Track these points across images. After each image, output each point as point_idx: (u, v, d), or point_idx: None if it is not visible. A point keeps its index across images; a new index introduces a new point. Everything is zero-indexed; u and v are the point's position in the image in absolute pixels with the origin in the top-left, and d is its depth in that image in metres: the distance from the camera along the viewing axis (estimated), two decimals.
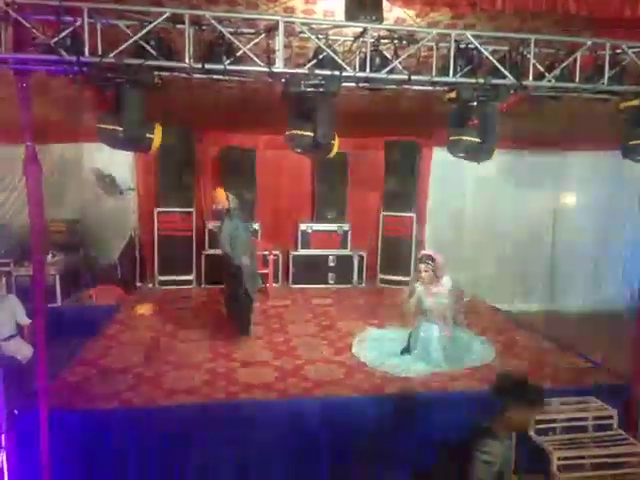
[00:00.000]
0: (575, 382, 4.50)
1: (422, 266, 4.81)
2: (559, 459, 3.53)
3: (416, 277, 4.92)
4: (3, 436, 3.35)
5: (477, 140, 3.68)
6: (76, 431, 3.68)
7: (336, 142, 3.73)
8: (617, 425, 3.93)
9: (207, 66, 3.38)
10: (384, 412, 3.99)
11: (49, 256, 6.75)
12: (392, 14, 3.72)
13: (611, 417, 3.93)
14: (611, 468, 3.60)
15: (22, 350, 4.94)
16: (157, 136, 3.50)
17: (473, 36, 3.62)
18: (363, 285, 7.97)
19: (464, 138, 3.71)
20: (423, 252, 5.12)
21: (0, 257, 6.61)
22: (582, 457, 3.65)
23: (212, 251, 7.52)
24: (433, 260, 4.81)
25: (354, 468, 3.94)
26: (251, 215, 7.42)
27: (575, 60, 3.79)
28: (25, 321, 5.08)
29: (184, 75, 3.52)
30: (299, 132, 3.53)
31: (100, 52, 3.26)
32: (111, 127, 3.31)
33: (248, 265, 5.38)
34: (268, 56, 3.50)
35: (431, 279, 4.79)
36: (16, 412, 3.55)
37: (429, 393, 4.23)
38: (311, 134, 3.53)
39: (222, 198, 5.48)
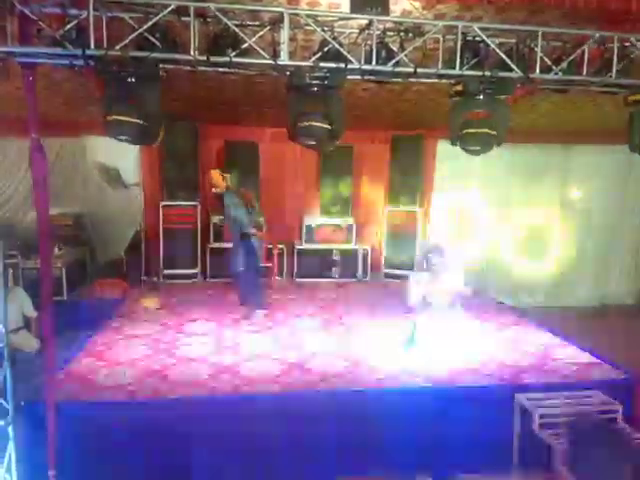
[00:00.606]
0: (580, 376, 4.50)
1: (434, 257, 4.83)
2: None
3: (422, 267, 4.93)
4: (11, 427, 3.38)
5: (493, 132, 3.64)
6: (82, 423, 3.71)
7: None
8: (622, 419, 3.92)
9: (212, 59, 3.37)
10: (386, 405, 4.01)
11: (55, 249, 6.79)
12: (398, 6, 3.69)
13: (616, 411, 3.92)
14: None
15: (29, 342, 4.99)
16: (161, 130, 3.50)
17: (480, 28, 3.59)
18: (367, 279, 7.97)
19: (480, 131, 3.67)
20: (432, 243, 5.11)
21: (7, 250, 6.65)
22: None
23: (217, 244, 7.54)
24: (443, 252, 4.84)
25: (359, 460, 3.96)
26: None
27: (583, 53, 3.76)
28: (32, 313, 5.13)
29: (189, 68, 3.51)
30: (316, 123, 3.51)
31: (105, 45, 3.26)
32: (128, 119, 3.29)
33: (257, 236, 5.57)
34: (273, 49, 3.49)
35: (441, 271, 4.82)
36: (23, 404, 3.58)
37: (434, 387, 4.25)
38: (328, 126, 3.51)
39: (218, 180, 5.48)
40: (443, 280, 4.82)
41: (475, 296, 6.01)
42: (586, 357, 4.94)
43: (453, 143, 3.88)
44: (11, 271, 5.97)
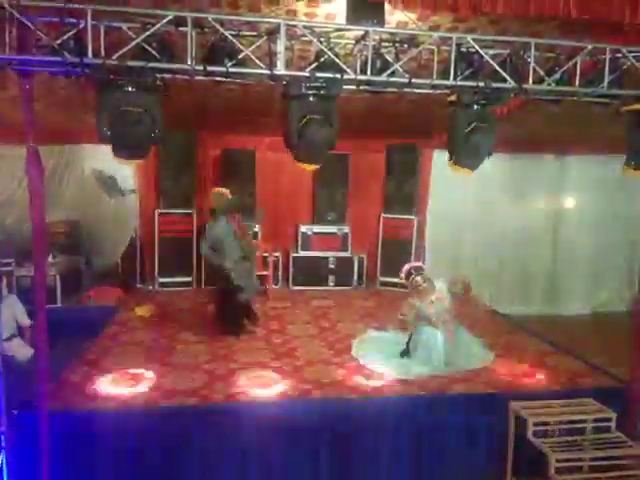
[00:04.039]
0: (574, 384, 4.52)
1: (419, 279, 4.86)
2: (557, 461, 3.53)
3: (412, 291, 4.95)
4: (3, 437, 3.35)
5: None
6: (76, 431, 3.69)
7: None
8: (615, 427, 3.93)
9: (209, 68, 3.40)
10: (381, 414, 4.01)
11: (50, 257, 6.76)
12: (393, 17, 3.74)
13: (610, 419, 3.93)
14: (609, 470, 3.61)
15: (22, 350, 4.95)
16: None
17: (474, 40, 3.63)
18: (363, 287, 7.98)
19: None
20: (409, 265, 5.14)
21: (1, 257, 6.62)
22: (580, 459, 3.66)
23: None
24: (422, 269, 4.89)
25: (354, 469, 3.95)
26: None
27: (575, 64, 3.81)
28: (25, 322, 5.10)
29: (186, 77, 3.54)
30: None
31: (103, 54, 3.28)
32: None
33: (231, 268, 5.39)
34: (270, 59, 3.52)
35: (430, 289, 4.84)
36: (15, 412, 3.56)
37: (430, 395, 4.25)
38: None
39: (218, 201, 5.47)
40: (434, 295, 4.86)
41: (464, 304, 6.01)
42: (580, 365, 4.96)
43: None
44: (5, 279, 5.95)
